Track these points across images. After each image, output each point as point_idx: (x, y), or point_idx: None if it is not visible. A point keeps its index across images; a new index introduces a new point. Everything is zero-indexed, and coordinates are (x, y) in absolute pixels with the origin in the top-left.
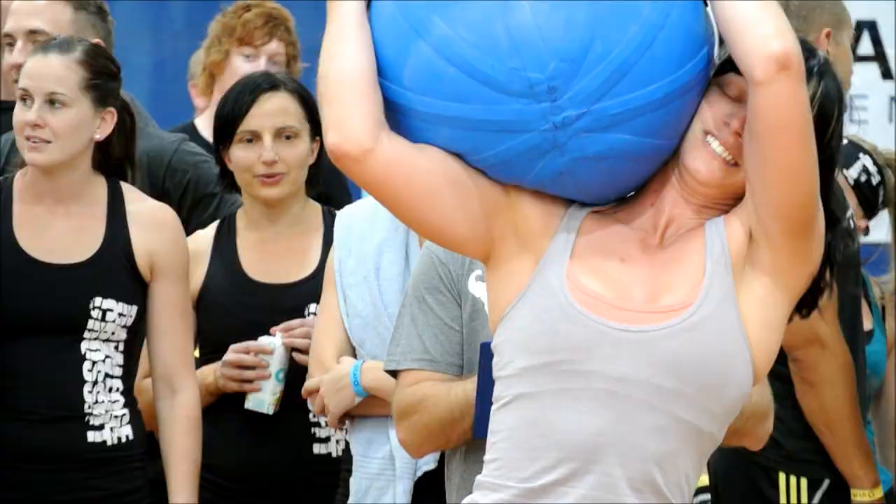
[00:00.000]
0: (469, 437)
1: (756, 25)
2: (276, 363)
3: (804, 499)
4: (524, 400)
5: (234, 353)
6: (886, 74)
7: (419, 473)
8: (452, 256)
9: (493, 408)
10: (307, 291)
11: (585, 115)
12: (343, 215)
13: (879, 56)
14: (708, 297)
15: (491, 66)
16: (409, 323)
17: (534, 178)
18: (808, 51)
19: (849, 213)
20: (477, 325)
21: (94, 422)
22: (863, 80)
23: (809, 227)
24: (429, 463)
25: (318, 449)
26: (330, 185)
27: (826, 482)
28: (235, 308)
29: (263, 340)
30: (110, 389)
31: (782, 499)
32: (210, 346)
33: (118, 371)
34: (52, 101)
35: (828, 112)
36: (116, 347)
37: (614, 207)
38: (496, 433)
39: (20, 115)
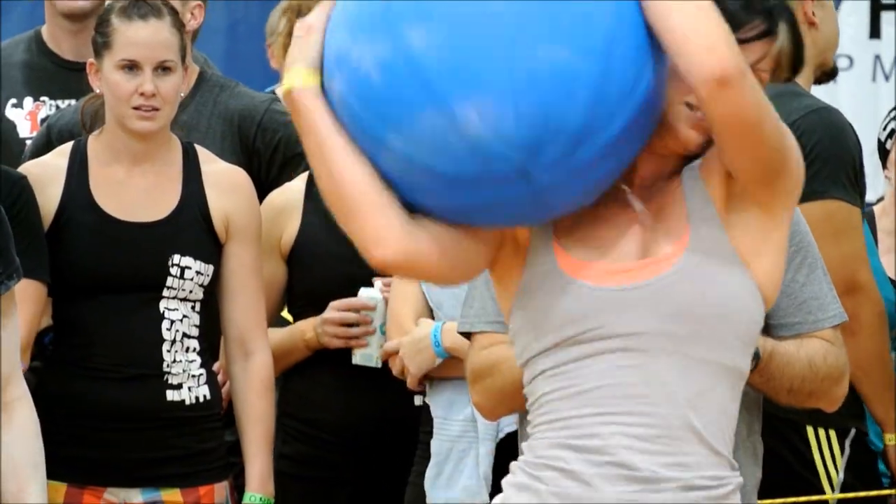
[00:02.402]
0: None
1: (688, 41)
2: (379, 317)
3: (836, 449)
4: (549, 373)
5: (336, 310)
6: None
7: (501, 435)
8: None
9: (526, 381)
10: None
11: (560, 171)
12: None
13: None
14: (696, 240)
15: (455, 169)
16: (483, 285)
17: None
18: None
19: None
20: None
21: (173, 381)
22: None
23: (779, 169)
24: (511, 425)
25: (418, 401)
26: None
27: (853, 431)
28: (331, 262)
29: (364, 295)
30: (188, 349)
31: (815, 453)
32: (305, 300)
33: (195, 331)
34: (160, 68)
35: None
36: (193, 307)
37: None
38: (532, 403)
39: (127, 84)
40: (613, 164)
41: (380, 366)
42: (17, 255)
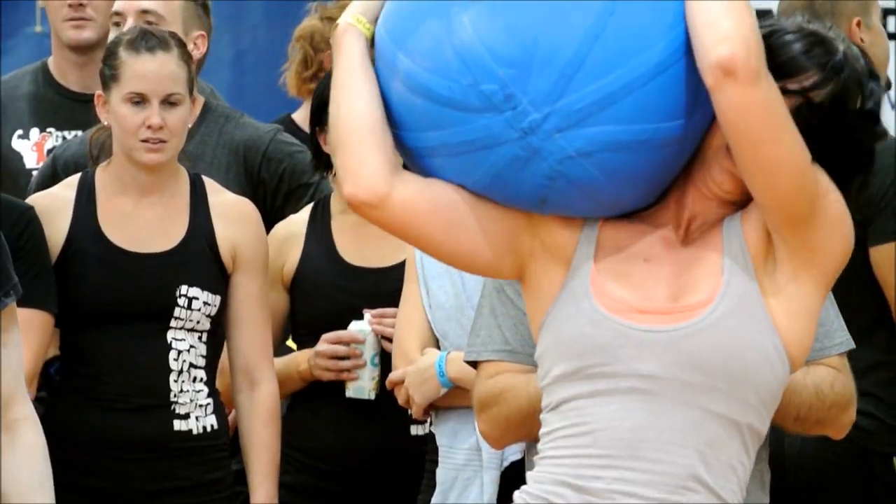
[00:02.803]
0: None
1: (708, 28)
2: (370, 349)
3: None
4: (564, 405)
5: (326, 343)
6: None
7: (506, 464)
8: None
9: (542, 413)
10: (403, 276)
11: (551, 116)
12: None
13: None
14: (728, 292)
15: (449, 87)
16: (489, 314)
17: (532, 192)
18: (827, 50)
19: None
20: None
21: (180, 410)
22: None
23: (808, 218)
24: (515, 453)
25: (415, 430)
26: None
27: None
28: (331, 292)
29: (354, 327)
30: (195, 379)
31: None
32: (305, 329)
33: (202, 361)
34: (167, 101)
35: (841, 109)
36: (200, 338)
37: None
38: (544, 434)
39: (134, 118)
40: (622, 143)
41: (373, 398)
42: (24, 286)
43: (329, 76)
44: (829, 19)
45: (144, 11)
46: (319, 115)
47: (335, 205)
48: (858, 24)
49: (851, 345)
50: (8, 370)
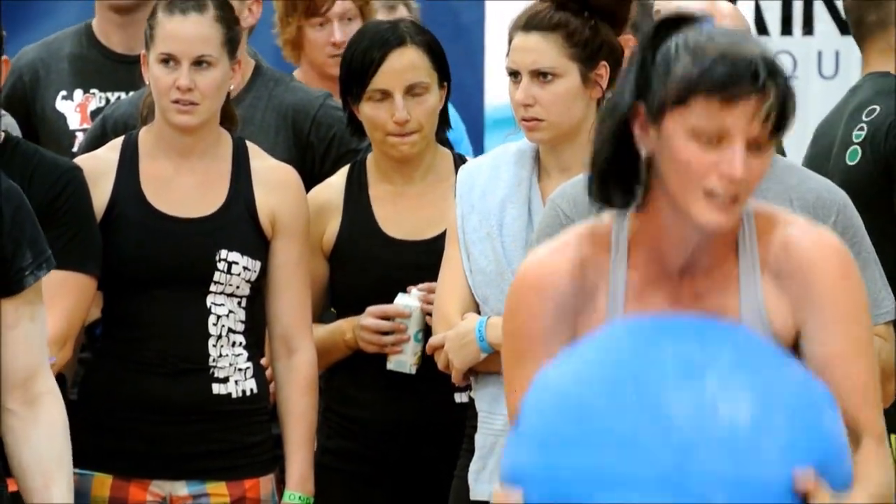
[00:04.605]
0: None
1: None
2: (414, 325)
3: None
4: None
5: (371, 317)
6: None
7: None
8: (577, 210)
9: None
10: (443, 248)
11: None
12: (464, 171)
13: None
14: None
15: None
16: None
17: None
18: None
19: None
20: None
21: (219, 374)
22: None
23: None
24: None
25: (459, 398)
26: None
27: None
28: (372, 265)
29: (399, 302)
30: (234, 344)
31: None
32: (346, 301)
33: (241, 326)
34: (199, 63)
35: None
36: (240, 303)
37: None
38: None
39: (165, 78)
40: None
41: (414, 372)
42: (60, 247)
43: (358, 46)
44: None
45: None
46: (349, 84)
47: (372, 172)
48: None
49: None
50: (30, 347)
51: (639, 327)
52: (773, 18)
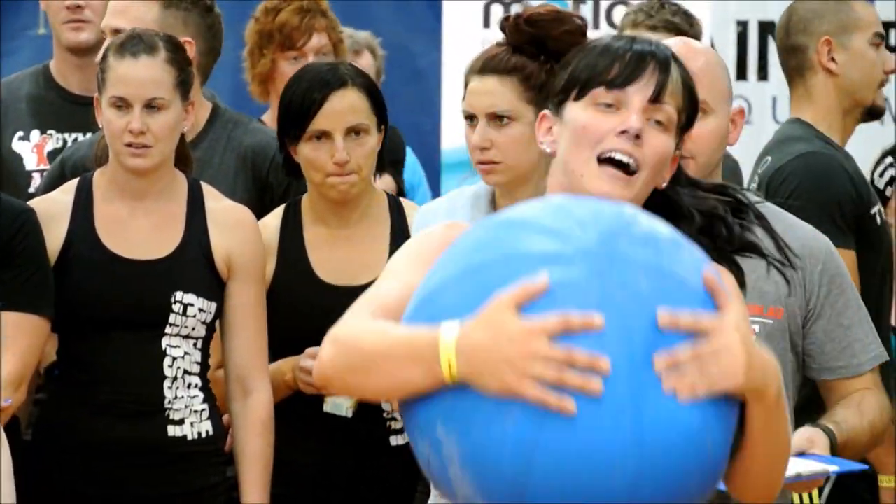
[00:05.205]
0: None
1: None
2: None
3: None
4: None
5: (309, 358)
6: None
7: None
8: None
9: None
10: None
11: None
12: (420, 214)
13: None
14: None
15: None
16: None
17: None
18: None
19: (875, 209)
20: None
21: (175, 416)
22: None
23: None
24: None
25: (395, 440)
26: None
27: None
28: (306, 311)
29: None
30: (189, 385)
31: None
32: (280, 344)
33: (196, 368)
34: (151, 105)
35: None
36: (195, 345)
37: None
38: None
39: (118, 121)
40: None
41: (350, 416)
42: (16, 289)
43: (298, 88)
44: (803, 38)
45: (117, 31)
46: (287, 125)
47: (307, 213)
48: (828, 44)
49: (885, 356)
50: None
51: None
52: (727, 63)
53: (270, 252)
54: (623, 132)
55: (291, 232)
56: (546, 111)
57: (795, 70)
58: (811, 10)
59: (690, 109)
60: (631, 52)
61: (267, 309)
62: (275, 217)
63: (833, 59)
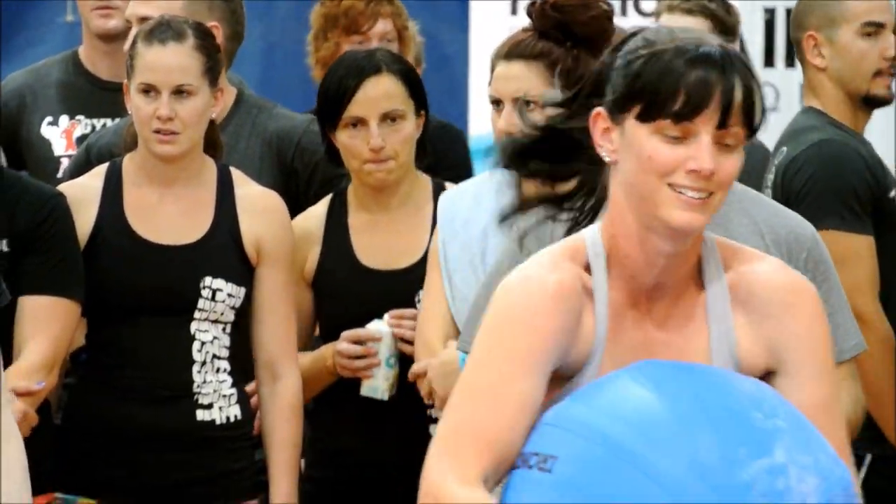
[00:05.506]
0: None
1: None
2: (385, 350)
3: None
4: None
5: (345, 341)
6: None
7: None
8: (538, 245)
9: None
10: (419, 277)
11: None
12: (445, 198)
13: None
14: None
15: None
16: (485, 306)
17: None
18: None
19: (894, 192)
20: None
21: (203, 401)
22: None
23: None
24: None
25: (433, 430)
26: (440, 157)
27: (868, 457)
28: (347, 295)
29: (371, 327)
30: (218, 370)
31: None
32: (327, 329)
33: (225, 352)
34: (179, 92)
35: None
36: (224, 329)
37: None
38: None
39: (146, 108)
40: None
41: (386, 399)
42: (45, 273)
43: (334, 75)
44: (794, 31)
45: (143, 18)
46: (325, 113)
47: (351, 201)
48: (813, 39)
49: (864, 346)
50: None
51: (682, 383)
52: (755, 51)
53: (316, 240)
54: (694, 170)
55: (337, 219)
56: (601, 110)
57: (801, 62)
58: (803, 5)
59: (756, 113)
60: (694, 75)
61: (313, 295)
62: (322, 205)
63: (821, 54)
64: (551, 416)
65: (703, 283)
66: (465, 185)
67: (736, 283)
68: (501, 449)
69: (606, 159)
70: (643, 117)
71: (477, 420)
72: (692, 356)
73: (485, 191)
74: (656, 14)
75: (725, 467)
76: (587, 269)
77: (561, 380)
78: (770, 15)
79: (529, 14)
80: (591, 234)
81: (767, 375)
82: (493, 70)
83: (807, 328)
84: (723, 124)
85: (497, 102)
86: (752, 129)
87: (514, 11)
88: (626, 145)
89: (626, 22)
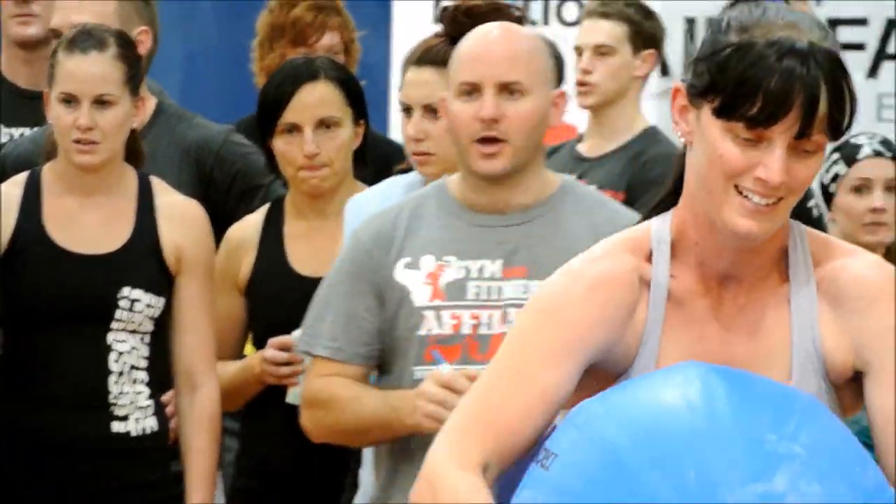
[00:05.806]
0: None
1: None
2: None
3: None
4: None
5: (270, 348)
6: None
7: None
8: (378, 243)
9: None
10: None
11: None
12: (353, 202)
13: None
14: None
15: None
16: (323, 305)
17: None
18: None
19: (811, 202)
20: (403, 314)
21: (119, 412)
22: None
23: None
24: None
25: None
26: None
27: None
28: (281, 302)
29: (296, 334)
30: (135, 381)
31: None
32: (259, 337)
33: (143, 363)
34: (100, 101)
35: None
36: (143, 339)
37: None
38: None
39: (66, 117)
40: None
41: None
42: None
43: (272, 82)
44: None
45: (76, 25)
46: (262, 119)
47: (288, 209)
48: None
49: None
50: None
51: (709, 395)
52: (675, 61)
53: (251, 248)
54: (761, 178)
55: (273, 227)
56: (680, 84)
57: None
58: None
59: (843, 121)
60: (776, 80)
61: (247, 303)
62: (260, 213)
63: None
64: (575, 410)
65: (787, 273)
66: (372, 189)
67: (825, 277)
68: (509, 437)
69: (681, 139)
70: (719, 113)
71: (490, 406)
72: (770, 348)
73: (392, 195)
74: (579, 23)
75: (708, 490)
76: (649, 259)
77: (610, 374)
78: (690, 25)
79: (441, 20)
80: (659, 222)
81: (858, 378)
82: (403, 76)
83: (890, 326)
84: (802, 134)
85: (407, 109)
86: (837, 135)
87: (438, 19)
88: (701, 133)
89: (548, 31)
